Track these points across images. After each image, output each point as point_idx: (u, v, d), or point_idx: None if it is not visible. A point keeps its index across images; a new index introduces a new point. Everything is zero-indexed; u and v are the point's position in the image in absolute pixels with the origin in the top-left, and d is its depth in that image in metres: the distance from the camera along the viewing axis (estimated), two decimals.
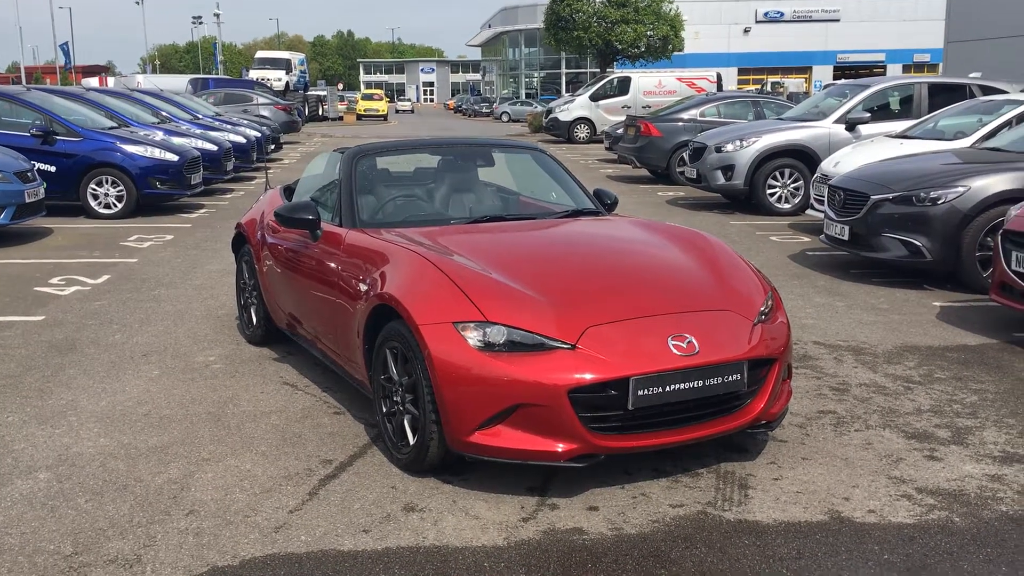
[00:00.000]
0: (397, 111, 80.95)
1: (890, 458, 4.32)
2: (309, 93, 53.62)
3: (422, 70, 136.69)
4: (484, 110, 70.78)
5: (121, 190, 12.12)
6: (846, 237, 8.53)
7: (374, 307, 4.25)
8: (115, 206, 12.18)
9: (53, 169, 11.92)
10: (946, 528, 3.63)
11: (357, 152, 5.43)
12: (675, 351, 3.85)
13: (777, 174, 12.92)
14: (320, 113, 52.68)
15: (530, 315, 3.88)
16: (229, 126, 18.02)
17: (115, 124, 13.25)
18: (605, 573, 3.28)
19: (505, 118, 57.38)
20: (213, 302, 7.47)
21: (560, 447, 3.74)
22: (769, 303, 4.39)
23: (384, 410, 4.28)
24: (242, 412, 4.90)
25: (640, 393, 3.74)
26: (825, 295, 7.81)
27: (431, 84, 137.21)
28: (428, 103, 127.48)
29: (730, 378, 3.94)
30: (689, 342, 3.90)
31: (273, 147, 22.00)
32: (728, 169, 13.07)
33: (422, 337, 3.87)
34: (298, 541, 3.49)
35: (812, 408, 5.00)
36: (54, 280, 8.28)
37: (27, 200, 10.13)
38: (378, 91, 70.02)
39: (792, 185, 12.93)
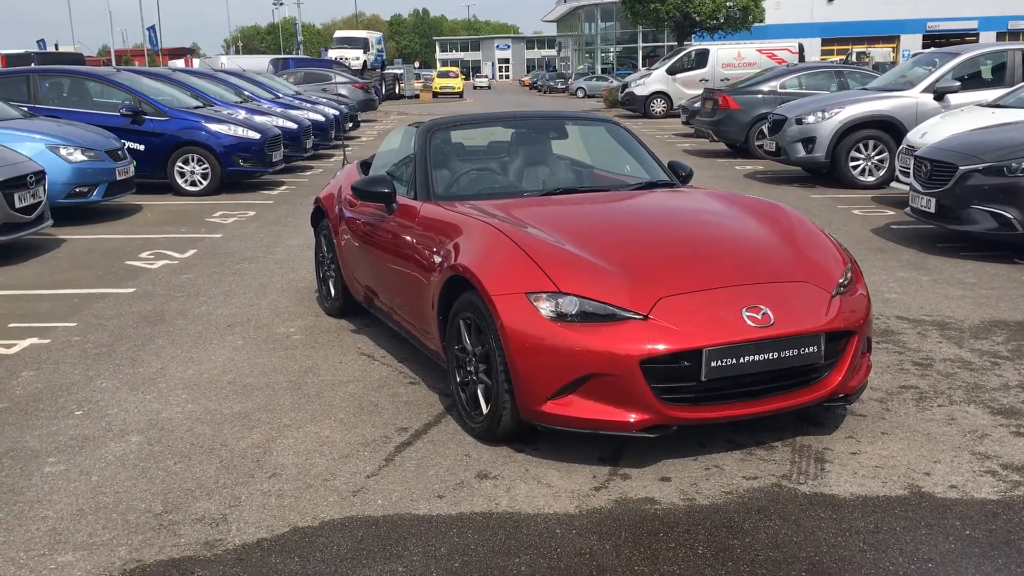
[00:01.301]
0: (474, 88, 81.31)
1: (974, 434, 4.22)
2: (386, 72, 54.03)
3: (497, 47, 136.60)
4: (559, 86, 70.46)
5: (206, 168, 12.43)
6: (932, 210, 8.29)
7: (448, 278, 4.31)
8: (200, 183, 12.51)
9: (142, 148, 12.28)
10: None
11: (432, 126, 5.48)
12: (749, 322, 3.82)
13: (860, 146, 12.61)
14: (397, 91, 53.10)
15: (602, 286, 3.89)
16: (308, 104, 18.30)
17: (200, 104, 13.57)
18: (677, 542, 3.29)
19: (581, 94, 57.02)
20: (293, 275, 7.65)
21: (632, 417, 3.75)
22: (848, 275, 4.32)
23: (458, 380, 4.34)
24: (321, 381, 5.02)
25: (713, 364, 3.73)
26: (909, 269, 7.62)
27: (506, 61, 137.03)
28: (504, 80, 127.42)
29: (807, 350, 3.89)
30: (764, 313, 3.86)
31: (351, 125, 22.27)
32: (809, 141, 12.79)
33: (495, 307, 3.91)
34: (375, 504, 3.58)
35: (893, 383, 4.91)
36: (144, 254, 8.57)
37: (118, 177, 10.48)
38: (454, 68, 70.19)
39: (876, 157, 12.60)
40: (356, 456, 4.04)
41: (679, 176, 5.69)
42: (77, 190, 10.06)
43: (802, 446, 4.12)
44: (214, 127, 12.51)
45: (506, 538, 3.32)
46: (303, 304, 6.70)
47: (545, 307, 3.83)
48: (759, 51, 30.22)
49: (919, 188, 8.53)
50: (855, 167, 12.65)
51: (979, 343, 5.57)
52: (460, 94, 60.33)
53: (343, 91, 27.95)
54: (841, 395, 4.12)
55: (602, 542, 3.29)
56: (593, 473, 3.86)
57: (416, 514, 3.50)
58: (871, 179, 12.61)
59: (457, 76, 62.89)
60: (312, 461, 3.99)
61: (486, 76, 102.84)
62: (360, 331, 5.99)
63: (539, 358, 3.80)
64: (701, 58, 30.19)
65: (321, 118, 17.72)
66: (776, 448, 4.10)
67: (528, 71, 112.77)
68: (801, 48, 31.46)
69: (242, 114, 13.76)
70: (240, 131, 12.63)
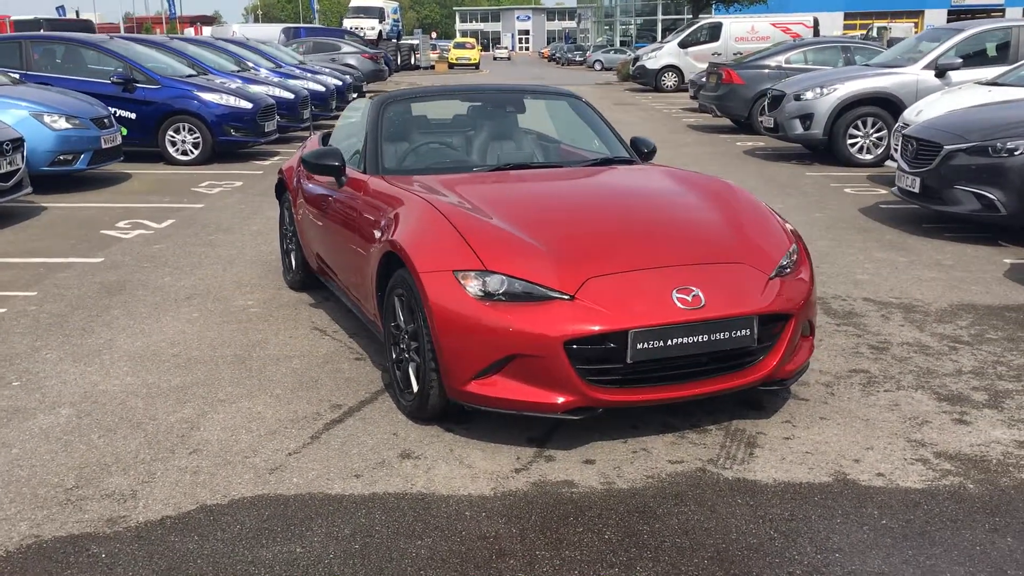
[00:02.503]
0: (494, 59, 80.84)
1: (915, 420, 4.14)
2: (401, 42, 53.71)
3: (518, 18, 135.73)
4: (577, 58, 69.95)
5: (197, 137, 12.39)
6: (917, 189, 8.15)
7: (384, 254, 4.25)
8: (192, 153, 12.46)
9: (133, 116, 12.24)
10: (956, 495, 3.47)
11: (385, 99, 5.40)
12: (679, 304, 3.74)
13: (859, 123, 12.41)
14: (412, 62, 52.81)
15: (531, 265, 3.82)
16: (309, 74, 18.21)
17: (194, 72, 13.50)
18: (585, 527, 3.24)
19: (598, 66, 56.57)
20: (266, 247, 7.60)
21: (557, 399, 3.69)
22: (793, 256, 4.23)
23: (393, 357, 4.29)
24: (267, 355, 4.99)
25: (639, 347, 3.66)
26: (888, 250, 7.49)
27: (527, 32, 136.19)
28: (524, 51, 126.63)
29: (738, 333, 3.81)
30: (695, 295, 3.78)
31: (356, 95, 22.16)
32: (807, 118, 12.61)
33: (422, 284, 3.85)
34: (289, 483, 3.54)
35: (844, 367, 4.82)
36: (121, 224, 8.55)
37: (103, 146, 10.45)
38: (470, 40, 69.73)
39: (875, 135, 12.40)
40: (283, 433, 4.00)
41: (641, 153, 5.59)
42: (61, 158, 10.03)
43: (736, 430, 4.05)
44: (205, 96, 12.44)
45: (413, 520, 3.28)
46: (268, 277, 6.66)
47: (472, 285, 3.77)
48: (773, 25, 29.78)
49: (905, 167, 8.38)
50: (853, 145, 12.46)
51: (942, 327, 5.47)
52: (476, 65, 59.93)
53: (352, 61, 27.84)
54: (777, 379, 4.04)
55: (509, 526, 3.24)
56: (518, 454, 3.80)
57: (328, 493, 3.46)
58: (868, 157, 12.42)
59: (474, 47, 62.47)
60: (237, 437, 3.95)
61: (506, 47, 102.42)
62: (319, 305, 5.95)
63: (464, 337, 3.75)
64: (714, 32, 29.79)
65: (321, 88, 17.62)
66: (709, 431, 4.03)
67: (548, 43, 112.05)
68: (816, 22, 30.98)
69: (235, 83, 13.68)
70: (232, 100, 12.56)
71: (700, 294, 3.79)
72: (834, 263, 7.04)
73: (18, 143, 8.58)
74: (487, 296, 3.74)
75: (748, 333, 3.83)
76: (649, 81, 30.07)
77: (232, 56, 16.52)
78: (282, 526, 3.22)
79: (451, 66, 58.47)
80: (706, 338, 3.75)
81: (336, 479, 3.58)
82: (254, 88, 13.99)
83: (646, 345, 3.67)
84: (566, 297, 3.71)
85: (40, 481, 3.54)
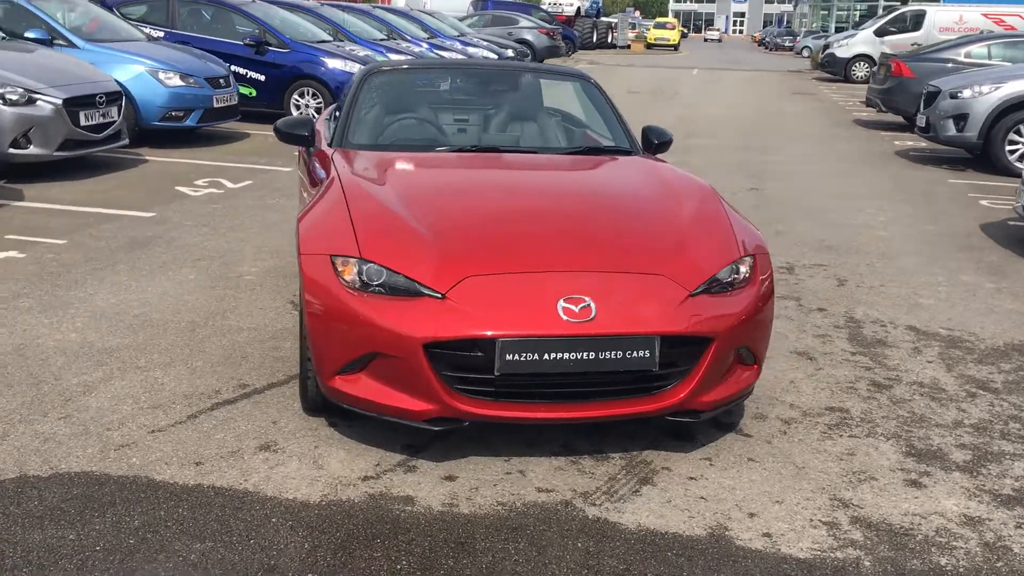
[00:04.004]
0: (704, 40, 78.80)
1: (857, 475, 3.52)
2: (599, 19, 53.15)
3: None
4: (786, 44, 66.97)
5: (320, 102, 12.58)
6: None
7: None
8: (315, 118, 12.66)
9: (262, 78, 12.58)
10: (842, 571, 2.89)
11: (370, 70, 5.17)
12: (563, 315, 3.31)
13: (1022, 128, 11.06)
14: (609, 40, 52.18)
15: (411, 258, 3.48)
16: (460, 46, 18.20)
17: (328, 38, 13.72)
18: (385, 552, 2.91)
19: (806, 52, 53.83)
20: None
21: (417, 406, 3.36)
22: (739, 272, 3.67)
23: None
24: (221, 326, 4.88)
25: (508, 357, 3.26)
26: (979, 274, 6.56)
27: (742, 15, 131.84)
28: (737, 34, 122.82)
29: (634, 354, 3.33)
30: (584, 307, 3.33)
31: None
32: (961, 119, 11.35)
33: (300, 267, 3.61)
34: (124, 463, 3.39)
35: (821, 403, 4.20)
36: (199, 181, 8.74)
37: (216, 105, 10.76)
38: (671, 20, 68.21)
39: None
40: (166, 408, 3.86)
41: (650, 144, 5.08)
42: (172, 114, 10.40)
43: (640, 461, 3.57)
44: (331, 62, 12.60)
45: (209, 520, 3.04)
46: (293, 246, 6.57)
47: (347, 273, 3.48)
48: (985, 15, 27.24)
49: None
50: (1013, 152, 11.13)
51: (976, 369, 4.68)
52: (675, 47, 58.44)
53: (528, 36, 27.79)
54: (688, 410, 3.52)
55: (304, 540, 2.96)
56: (380, 460, 3.50)
57: (153, 479, 3.29)
58: None
59: (674, 28, 61.00)
60: (118, 407, 3.85)
61: (717, 30, 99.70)
62: None
63: (330, 328, 3.47)
64: (916, 20, 27.55)
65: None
66: (609, 459, 3.57)
67: (764, 26, 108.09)
68: None
69: (365, 51, 13.79)
70: (355, 68, 12.65)
71: (592, 305, 3.34)
72: (905, 283, 6.23)
73: (115, 96, 8.92)
74: (362, 286, 3.43)
75: (647, 355, 3.34)
76: (838, 70, 28.26)
77: (383, 24, 16.72)
78: (77, 508, 3.07)
79: (648, 46, 57.34)
80: (591, 356, 3.30)
81: (173, 465, 3.39)
82: (392, 57, 14.06)
83: (516, 357, 3.26)
84: (437, 295, 3.36)
85: None
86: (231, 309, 5.14)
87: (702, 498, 3.32)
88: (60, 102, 8.19)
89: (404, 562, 2.86)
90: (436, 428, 3.41)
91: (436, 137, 4.98)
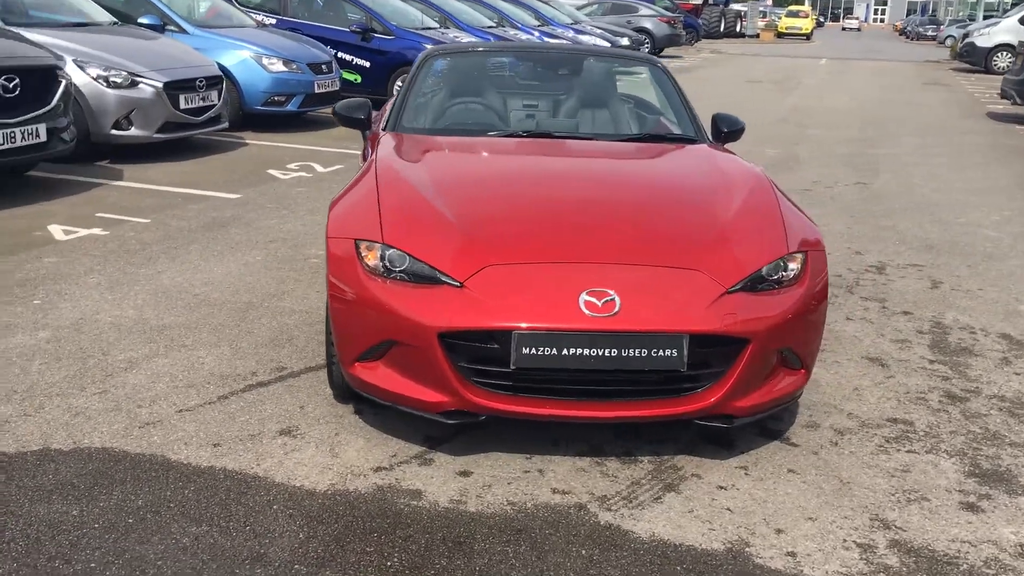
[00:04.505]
0: (843, 29, 76.06)
1: (908, 495, 3.23)
2: (728, 8, 51.85)
3: None
4: (929, 33, 63.78)
5: None
6: None
7: None
8: None
9: (368, 65, 12.71)
10: None
11: (429, 53, 5.07)
12: (584, 308, 3.14)
13: None
14: (738, 29, 50.87)
15: (434, 245, 3.38)
16: (572, 33, 17.99)
17: (435, 25, 13.75)
18: (378, 548, 2.82)
19: (949, 42, 51.21)
20: None
21: (432, 398, 3.25)
22: (787, 269, 3.43)
23: None
24: (275, 307, 4.89)
25: (525, 351, 3.11)
26: None
27: (884, 3, 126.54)
28: (878, 23, 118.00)
29: (660, 353, 3.14)
30: (608, 300, 3.15)
31: None
32: None
33: (327, 249, 3.55)
34: (145, 441, 3.40)
35: (884, 413, 3.90)
36: (291, 165, 8.87)
37: (317, 90, 10.91)
38: (804, 8, 65.84)
39: None
40: (199, 388, 3.88)
41: (721, 132, 4.83)
42: (274, 99, 10.60)
43: (670, 466, 3.38)
44: None
45: (212, 504, 3.01)
46: None
47: (369, 258, 3.40)
48: None
49: None
50: None
51: None
52: (808, 36, 56.53)
53: (647, 24, 27.31)
54: (721, 415, 3.30)
55: (300, 530, 2.89)
56: (397, 451, 3.41)
57: (168, 458, 3.29)
58: None
59: (807, 16, 58.94)
60: (153, 385, 3.88)
61: (856, 18, 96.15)
62: None
63: (351, 313, 3.40)
64: None
65: None
66: (638, 462, 3.39)
67: (908, 14, 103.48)
68: None
69: (467, 38, 13.75)
70: None
71: (616, 299, 3.16)
72: (1006, 288, 5.77)
73: (215, 81, 9.13)
74: (386, 272, 3.34)
75: (674, 354, 3.14)
76: (978, 61, 26.71)
77: (494, 11, 16.68)
78: (87, 484, 3.09)
79: (779, 35, 55.62)
80: (614, 353, 3.13)
81: (192, 445, 3.39)
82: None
83: (533, 351, 3.12)
84: (456, 284, 3.24)
85: None
86: (288, 291, 5.15)
87: (728, 509, 3.10)
88: (161, 85, 8.43)
89: (396, 559, 2.76)
90: (451, 421, 3.29)
91: (491, 122, 4.85)
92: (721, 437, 3.58)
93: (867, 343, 4.73)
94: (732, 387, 3.25)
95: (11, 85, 6.56)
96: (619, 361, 3.14)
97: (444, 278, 3.26)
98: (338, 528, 2.91)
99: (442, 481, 3.22)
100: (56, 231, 6.15)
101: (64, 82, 7.13)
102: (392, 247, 3.37)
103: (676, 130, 4.83)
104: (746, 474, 3.35)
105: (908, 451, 3.57)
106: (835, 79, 23.74)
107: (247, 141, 10.04)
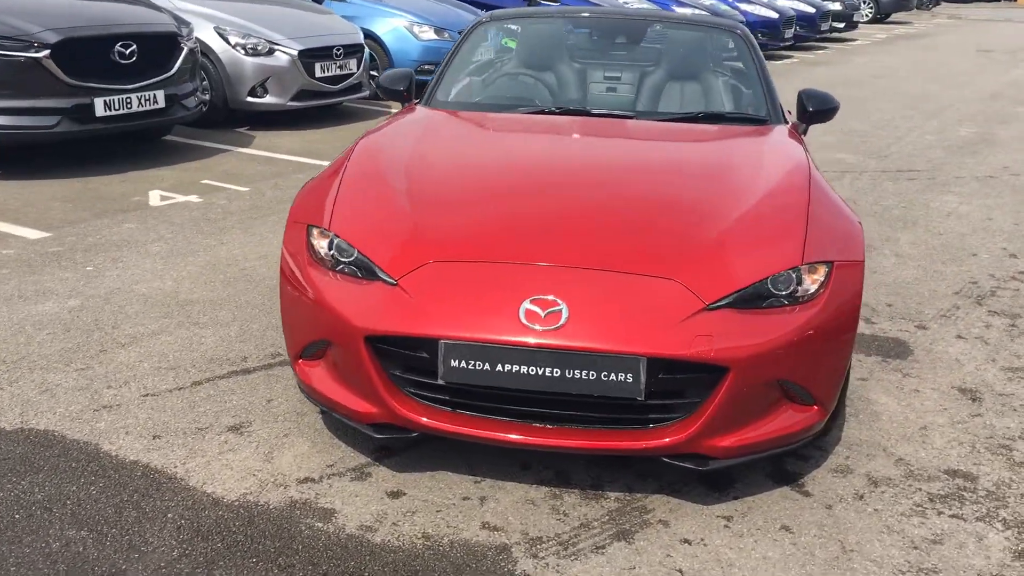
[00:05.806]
0: None
1: (926, 574, 2.55)
2: None
3: None
4: None
5: None
6: None
7: None
8: None
9: None
10: None
11: (479, 20, 4.65)
12: (523, 318, 2.67)
13: None
14: None
15: (380, 235, 3.01)
16: None
17: None
18: (247, 575, 2.50)
19: None
20: None
21: (362, 407, 2.90)
22: (801, 284, 2.80)
23: None
24: None
25: (453, 364, 2.69)
26: None
27: None
28: None
29: (612, 377, 2.63)
30: (554, 311, 2.67)
31: (842, 25, 19.99)
32: None
33: (285, 232, 3.25)
34: (88, 426, 3.24)
35: (945, 463, 3.20)
36: None
37: None
38: None
39: None
40: (180, 371, 3.70)
41: (807, 111, 4.13)
42: (425, 67, 10.44)
43: (638, 507, 2.86)
44: None
45: (108, 506, 2.80)
46: None
47: (317, 245, 3.09)
48: None
49: None
50: None
51: None
52: None
53: None
54: (691, 454, 2.74)
55: (177, 546, 2.63)
56: (338, 460, 3.08)
57: (99, 448, 3.11)
58: None
59: None
60: (138, 365, 3.74)
61: None
62: None
63: (294, 305, 3.10)
64: None
65: (810, 10, 16.58)
66: (601, 500, 2.90)
67: None
68: None
69: (637, 3, 13.06)
70: None
71: (564, 310, 2.67)
72: None
73: (354, 49, 9.06)
74: (331, 262, 3.01)
75: (628, 380, 2.62)
76: None
77: None
78: (3, 470, 2.96)
79: None
80: (556, 373, 2.64)
81: (132, 435, 3.20)
82: (675, 9, 13.24)
83: (464, 364, 2.69)
84: (390, 281, 2.85)
85: None
86: None
87: (678, 571, 2.55)
88: (296, 53, 8.45)
89: None
90: (379, 436, 2.92)
91: (528, 96, 4.37)
92: (720, 476, 3.00)
93: (969, 369, 3.91)
94: (707, 422, 2.68)
95: (127, 52, 6.69)
96: (562, 383, 2.65)
97: (380, 274, 2.87)
98: (219, 548, 2.62)
99: (364, 502, 2.86)
100: (154, 196, 6.23)
101: (186, 49, 7.22)
102: (333, 235, 3.03)
103: (749, 110, 4.16)
104: (726, 526, 2.77)
105: (952, 515, 2.85)
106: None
107: (392, 110, 9.96)
